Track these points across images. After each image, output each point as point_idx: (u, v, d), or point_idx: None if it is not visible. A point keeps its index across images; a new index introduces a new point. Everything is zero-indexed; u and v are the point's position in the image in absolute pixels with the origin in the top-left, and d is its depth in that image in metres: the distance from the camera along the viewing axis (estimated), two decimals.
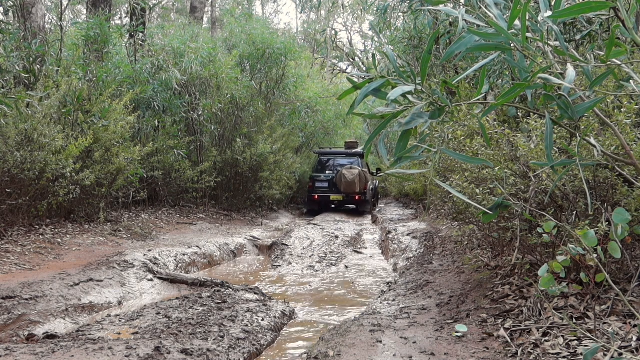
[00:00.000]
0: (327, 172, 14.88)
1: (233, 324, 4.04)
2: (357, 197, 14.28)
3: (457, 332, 3.36)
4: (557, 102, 1.91)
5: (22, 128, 6.51)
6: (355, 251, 8.77)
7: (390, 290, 5.44)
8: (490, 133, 4.01)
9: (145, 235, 8.07)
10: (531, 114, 3.67)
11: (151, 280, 5.80)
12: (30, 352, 3.22)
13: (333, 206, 15.03)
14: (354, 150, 15.20)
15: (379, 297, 5.26)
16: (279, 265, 7.54)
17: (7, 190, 6.40)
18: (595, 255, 2.19)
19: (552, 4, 1.93)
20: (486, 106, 2.16)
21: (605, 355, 2.46)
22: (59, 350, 3.26)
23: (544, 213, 2.70)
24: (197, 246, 7.55)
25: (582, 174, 2.56)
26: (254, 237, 9.38)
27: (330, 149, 16.50)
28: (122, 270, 5.69)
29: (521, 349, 2.91)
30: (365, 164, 15.53)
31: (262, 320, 4.35)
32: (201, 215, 10.82)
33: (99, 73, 8.56)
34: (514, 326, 3.24)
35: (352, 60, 29.89)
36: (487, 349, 3.06)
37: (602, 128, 3.41)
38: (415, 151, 2.09)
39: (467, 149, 4.22)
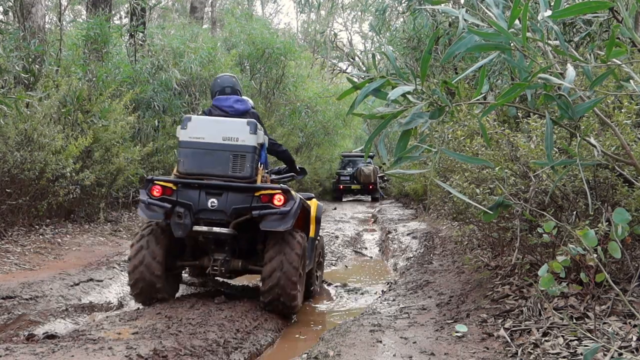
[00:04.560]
0: (348, 169, 20.11)
1: (233, 324, 4.04)
2: (370, 187, 19.31)
3: (457, 332, 3.35)
4: (557, 102, 1.91)
5: (22, 128, 6.51)
6: (356, 251, 8.77)
7: (390, 290, 5.43)
8: (490, 133, 4.01)
9: None
10: (531, 114, 3.66)
11: None
12: (30, 352, 3.22)
13: (352, 193, 20.13)
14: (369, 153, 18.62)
15: (379, 297, 5.26)
16: None
17: (7, 190, 6.39)
18: (595, 255, 2.19)
19: (552, 3, 1.93)
20: (486, 106, 2.16)
21: (605, 355, 2.46)
22: (59, 350, 3.26)
23: (544, 213, 2.70)
24: None
25: (582, 174, 2.56)
26: None
27: (350, 152, 22.13)
28: (122, 270, 5.69)
29: (521, 349, 2.91)
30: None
31: (262, 320, 4.34)
32: None
33: (98, 73, 8.55)
34: (514, 326, 3.24)
35: (351, 60, 29.88)
36: (487, 349, 3.06)
37: (602, 128, 3.41)
38: (415, 151, 2.09)
39: (467, 149, 4.22)
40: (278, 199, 4.09)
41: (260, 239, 4.41)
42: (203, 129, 4.20)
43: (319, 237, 5.30)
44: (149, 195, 4.18)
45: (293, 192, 4.28)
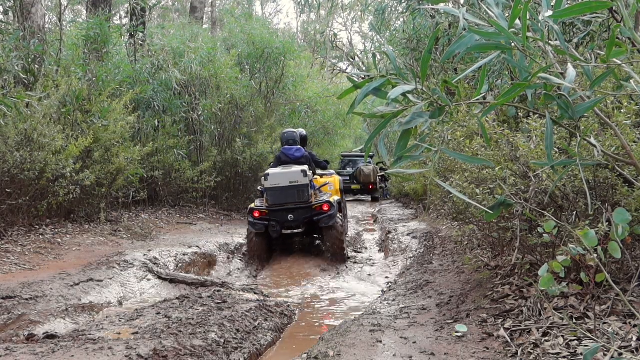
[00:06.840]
0: (348, 169, 20.43)
1: (233, 324, 4.04)
2: (370, 186, 19.42)
3: (457, 332, 3.35)
4: (557, 102, 1.91)
5: (22, 128, 6.51)
6: (355, 251, 8.76)
7: (390, 290, 5.43)
8: (490, 133, 4.01)
9: (145, 235, 8.07)
10: (531, 114, 3.66)
11: (151, 280, 5.80)
12: (30, 352, 3.22)
13: (352, 193, 19.87)
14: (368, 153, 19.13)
15: (379, 297, 5.26)
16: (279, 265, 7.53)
17: (7, 190, 6.39)
18: (595, 255, 2.19)
19: (553, 3, 1.93)
20: (486, 106, 2.16)
21: (605, 355, 2.46)
22: (59, 350, 3.26)
23: (544, 213, 2.70)
24: (197, 246, 7.55)
25: (582, 174, 2.56)
26: None
27: (350, 152, 22.15)
28: (122, 270, 5.69)
29: (521, 349, 2.91)
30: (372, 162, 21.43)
31: (262, 320, 4.34)
32: (201, 215, 10.82)
33: (98, 73, 8.55)
34: (514, 326, 3.24)
35: (351, 60, 29.89)
36: (487, 349, 3.06)
37: (602, 128, 3.41)
38: (415, 151, 2.09)
39: (467, 149, 4.22)
40: (326, 207, 7.23)
41: (318, 225, 7.36)
42: (277, 178, 7.19)
43: (344, 198, 8.87)
44: (253, 217, 7.30)
45: (332, 200, 7.33)
